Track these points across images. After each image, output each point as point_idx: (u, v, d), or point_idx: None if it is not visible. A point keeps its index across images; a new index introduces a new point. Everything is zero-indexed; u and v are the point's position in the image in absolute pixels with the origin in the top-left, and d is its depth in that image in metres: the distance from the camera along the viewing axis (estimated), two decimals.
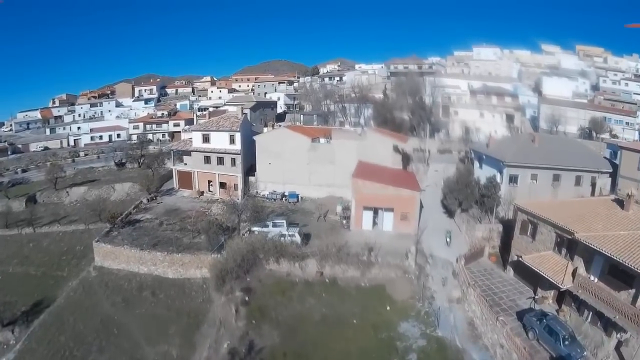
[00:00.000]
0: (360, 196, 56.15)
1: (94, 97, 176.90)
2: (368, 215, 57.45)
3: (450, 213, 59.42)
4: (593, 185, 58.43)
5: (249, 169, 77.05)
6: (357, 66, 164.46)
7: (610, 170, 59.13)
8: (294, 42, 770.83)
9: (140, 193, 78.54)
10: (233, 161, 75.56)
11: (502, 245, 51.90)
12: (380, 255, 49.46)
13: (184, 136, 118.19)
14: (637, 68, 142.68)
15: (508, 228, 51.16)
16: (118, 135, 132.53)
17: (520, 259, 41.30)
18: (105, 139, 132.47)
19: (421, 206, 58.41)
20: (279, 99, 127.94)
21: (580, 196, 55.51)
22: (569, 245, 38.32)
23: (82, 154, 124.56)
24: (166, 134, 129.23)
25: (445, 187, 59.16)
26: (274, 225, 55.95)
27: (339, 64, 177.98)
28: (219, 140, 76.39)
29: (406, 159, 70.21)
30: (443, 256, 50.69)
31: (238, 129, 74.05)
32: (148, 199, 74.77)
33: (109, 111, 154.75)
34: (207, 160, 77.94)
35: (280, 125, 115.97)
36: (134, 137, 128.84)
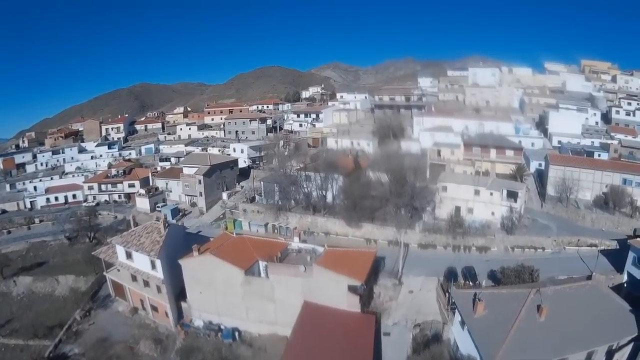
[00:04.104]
0: None
1: (61, 137, 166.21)
2: None
3: None
4: (609, 353, 42.59)
5: (182, 291, 63.21)
6: (338, 95, 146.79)
7: (635, 333, 42.52)
8: (288, 47, 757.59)
9: (81, 289, 74.18)
10: (158, 288, 62.74)
11: None
12: None
13: (138, 202, 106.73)
14: None
15: None
16: (74, 196, 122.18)
17: None
18: (61, 199, 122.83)
19: None
20: (242, 151, 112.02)
21: None
22: None
23: (37, 219, 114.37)
24: (122, 195, 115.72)
25: None
26: None
27: (323, 85, 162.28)
28: (142, 261, 63.24)
29: (366, 296, 54.74)
30: None
31: (157, 256, 59.93)
32: (81, 317, 66.96)
33: (72, 158, 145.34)
34: (134, 278, 66.14)
35: (241, 186, 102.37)
36: (90, 198, 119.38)
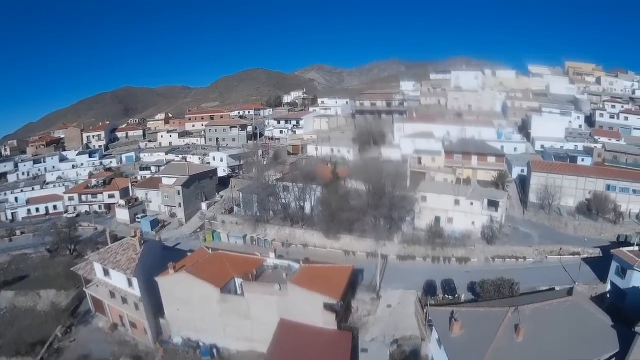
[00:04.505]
0: None
1: (43, 145, 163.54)
2: None
3: None
4: None
5: (160, 307, 62.21)
6: (319, 100, 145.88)
7: (617, 349, 41.95)
8: (272, 49, 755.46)
9: (63, 304, 73.26)
10: (136, 305, 61.86)
11: None
12: None
13: (118, 213, 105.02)
14: (633, 89, 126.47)
15: None
16: (54, 207, 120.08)
17: None
18: (42, 210, 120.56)
19: None
20: (222, 160, 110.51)
21: None
22: None
23: (18, 231, 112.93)
24: (102, 205, 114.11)
25: None
26: None
27: (305, 90, 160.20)
28: (119, 278, 62.40)
29: (343, 312, 53.87)
30: None
31: (133, 274, 58.89)
32: (62, 333, 66.27)
33: (53, 167, 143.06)
34: (113, 294, 65.28)
35: (220, 196, 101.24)
36: (70, 209, 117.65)
